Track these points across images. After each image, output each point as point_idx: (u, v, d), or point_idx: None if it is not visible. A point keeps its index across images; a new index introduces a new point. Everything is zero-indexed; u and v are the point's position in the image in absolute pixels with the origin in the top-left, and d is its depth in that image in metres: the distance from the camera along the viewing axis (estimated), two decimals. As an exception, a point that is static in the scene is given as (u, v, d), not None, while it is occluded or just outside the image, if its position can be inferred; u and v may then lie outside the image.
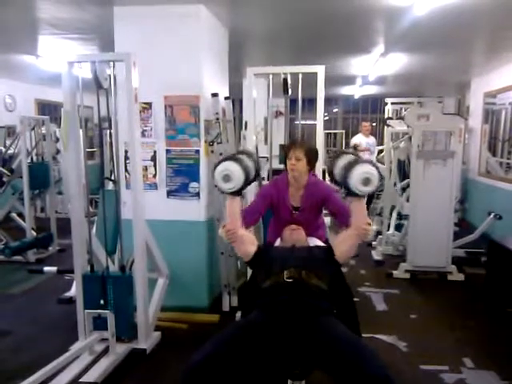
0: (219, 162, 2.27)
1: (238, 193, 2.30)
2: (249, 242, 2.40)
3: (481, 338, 3.38)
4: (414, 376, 2.85)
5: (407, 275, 4.69)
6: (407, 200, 4.97)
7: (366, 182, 2.08)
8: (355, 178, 2.08)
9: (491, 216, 4.94)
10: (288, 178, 2.83)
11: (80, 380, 2.61)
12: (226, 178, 2.20)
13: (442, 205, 4.55)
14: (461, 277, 4.62)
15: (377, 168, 2.15)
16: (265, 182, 4.08)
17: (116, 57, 3.06)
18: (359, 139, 7.82)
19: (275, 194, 2.83)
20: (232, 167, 2.20)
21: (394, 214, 5.64)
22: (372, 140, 7.87)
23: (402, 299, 4.19)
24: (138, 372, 2.90)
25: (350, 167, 2.13)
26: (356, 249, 2.37)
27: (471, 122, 7.48)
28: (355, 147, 7.50)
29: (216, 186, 2.31)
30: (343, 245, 2.34)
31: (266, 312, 2.07)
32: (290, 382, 2.09)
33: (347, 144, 11.24)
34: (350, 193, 2.18)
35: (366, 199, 2.31)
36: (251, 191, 3.57)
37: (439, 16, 3.73)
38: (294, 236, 2.58)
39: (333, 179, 2.41)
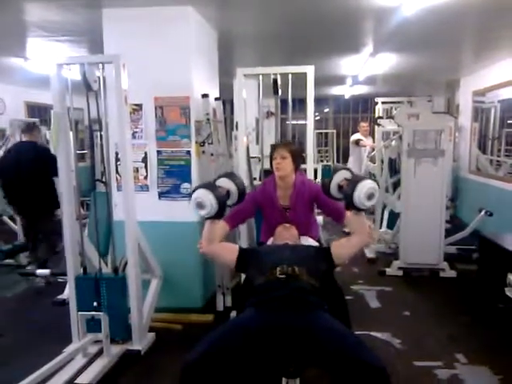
0: (195, 189, 2.35)
1: (216, 217, 2.36)
2: (228, 252, 2.46)
3: (473, 334, 3.41)
4: (408, 372, 2.86)
5: (400, 272, 4.72)
6: (398, 198, 5.00)
7: (371, 196, 2.22)
8: (362, 195, 2.19)
9: (482, 213, 4.98)
10: (275, 179, 2.85)
11: (74, 382, 2.59)
12: (199, 205, 2.30)
13: (433, 202, 4.58)
14: (453, 273, 4.66)
15: (376, 182, 2.30)
16: (256, 182, 4.10)
17: (105, 59, 3.05)
18: (357, 138, 7.82)
19: (263, 198, 2.88)
20: (204, 195, 2.28)
21: (386, 213, 5.67)
22: (370, 141, 7.89)
23: (395, 296, 4.22)
24: (132, 373, 2.89)
25: (354, 184, 2.23)
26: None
27: (461, 120, 7.54)
28: (357, 142, 7.52)
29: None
30: (343, 249, 2.40)
31: (260, 309, 2.08)
32: (284, 380, 2.09)
33: (338, 144, 11.30)
34: (353, 207, 2.27)
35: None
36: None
37: (427, 16, 3.76)
38: (287, 234, 2.59)
39: (328, 194, 2.44)
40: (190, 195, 2.36)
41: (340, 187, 2.35)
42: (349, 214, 2.44)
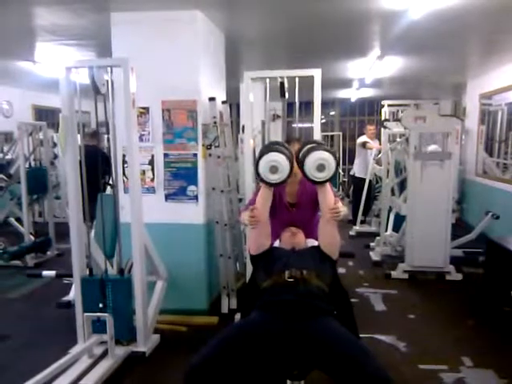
0: (263, 153, 2.22)
1: (279, 184, 2.27)
2: (268, 236, 2.40)
3: (479, 337, 3.40)
4: (414, 376, 2.86)
5: (405, 275, 4.71)
6: (404, 201, 4.99)
7: (321, 168, 2.11)
8: (310, 165, 2.11)
9: (489, 216, 4.96)
10: None
11: (79, 383, 2.61)
12: (274, 169, 2.17)
13: (439, 205, 4.57)
14: (459, 276, 4.64)
15: (333, 154, 2.16)
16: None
17: (113, 62, 3.08)
18: (364, 141, 7.79)
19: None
20: (280, 158, 2.17)
21: (392, 215, 5.66)
22: (376, 143, 7.85)
23: (401, 299, 4.21)
24: (137, 375, 2.91)
25: (305, 154, 2.15)
26: (340, 239, 2.39)
27: (468, 123, 7.52)
28: (364, 144, 7.50)
29: (258, 175, 2.26)
30: (323, 235, 2.37)
31: (266, 312, 2.07)
32: (289, 382, 2.09)
33: (344, 147, 11.28)
34: (309, 180, 2.19)
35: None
36: (249, 189, 3.60)
37: (434, 19, 3.76)
38: (294, 239, 2.57)
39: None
40: (259, 157, 2.19)
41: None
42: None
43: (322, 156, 2.11)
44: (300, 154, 2.32)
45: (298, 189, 2.84)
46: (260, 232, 2.37)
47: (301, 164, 2.23)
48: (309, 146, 2.31)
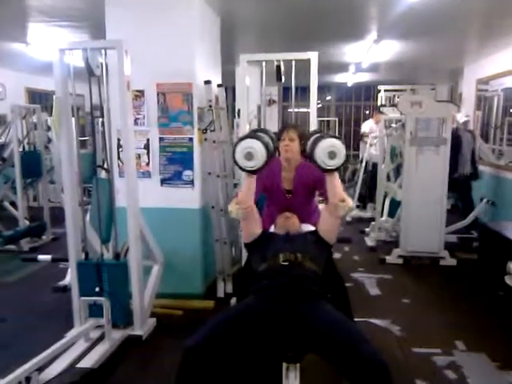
0: (240, 140, 2.21)
1: (256, 171, 2.25)
2: (257, 223, 2.41)
3: (473, 322, 3.43)
4: (407, 359, 2.89)
5: (400, 260, 4.74)
6: (400, 186, 5.00)
7: (332, 155, 2.10)
8: (321, 152, 2.10)
9: (484, 202, 4.98)
10: (281, 162, 2.84)
11: (76, 366, 2.61)
12: (249, 155, 2.15)
13: (434, 191, 4.59)
14: (453, 262, 4.68)
15: (342, 141, 2.15)
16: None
17: (108, 44, 3.03)
18: (370, 125, 7.78)
19: (269, 178, 2.82)
20: (255, 145, 2.16)
21: (387, 201, 5.67)
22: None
23: (395, 284, 4.24)
24: (133, 358, 2.92)
25: (315, 142, 2.14)
26: (339, 226, 2.41)
27: (464, 108, 7.50)
28: (362, 136, 7.49)
29: (236, 163, 2.24)
30: (324, 224, 2.38)
31: (261, 295, 2.09)
32: (284, 364, 2.11)
33: (340, 132, 11.27)
34: (320, 168, 2.18)
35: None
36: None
37: (432, 2, 3.73)
38: (288, 223, 2.59)
39: (306, 157, 2.40)
40: (236, 144, 2.19)
41: None
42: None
43: (332, 143, 2.11)
44: (308, 143, 2.32)
45: (295, 175, 2.83)
46: (249, 221, 2.38)
47: (310, 152, 2.21)
48: (317, 135, 2.30)
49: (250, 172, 2.23)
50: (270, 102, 8.08)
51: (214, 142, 3.73)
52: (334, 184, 2.28)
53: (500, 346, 3.06)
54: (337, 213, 2.29)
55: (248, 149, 2.14)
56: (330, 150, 2.10)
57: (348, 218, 6.79)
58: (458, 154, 5.35)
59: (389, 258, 4.78)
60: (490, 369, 2.79)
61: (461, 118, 5.80)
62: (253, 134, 2.31)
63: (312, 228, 2.77)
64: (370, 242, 5.46)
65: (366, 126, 7.88)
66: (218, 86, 3.95)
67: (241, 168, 2.22)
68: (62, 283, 3.98)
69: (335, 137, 2.18)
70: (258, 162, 2.17)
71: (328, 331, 1.91)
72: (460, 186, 5.56)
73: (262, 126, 4.05)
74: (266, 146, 2.19)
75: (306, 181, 2.81)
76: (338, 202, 2.25)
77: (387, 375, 1.76)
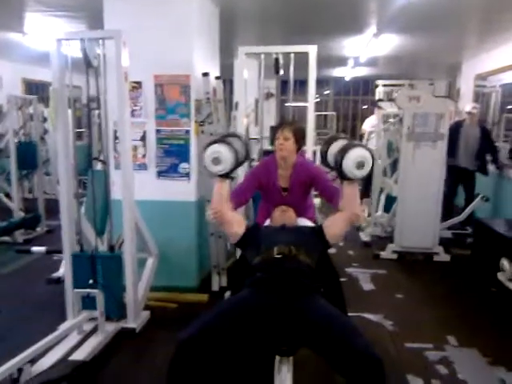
0: (209, 144, 2.27)
1: (227, 175, 2.31)
2: (236, 224, 2.42)
3: (465, 317, 3.45)
4: (399, 354, 2.91)
5: (394, 256, 4.76)
6: (396, 182, 5.00)
7: (360, 165, 2.13)
8: (350, 162, 2.13)
9: (478, 198, 4.99)
10: (277, 159, 2.84)
11: (69, 359, 2.61)
12: (216, 160, 2.22)
13: (430, 186, 4.59)
14: (447, 257, 4.70)
15: (370, 151, 2.18)
16: (255, 163, 4.08)
17: (106, 34, 2.99)
18: (370, 122, 7.75)
19: (264, 176, 2.83)
20: (222, 149, 2.21)
21: (383, 196, 5.68)
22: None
23: (389, 279, 4.26)
24: (127, 350, 2.92)
25: (344, 151, 2.16)
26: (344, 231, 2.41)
27: (462, 104, 7.49)
28: (361, 135, 7.49)
29: (205, 167, 2.32)
30: (334, 227, 2.38)
31: (256, 288, 2.10)
32: (277, 357, 2.12)
33: (338, 127, 11.25)
34: (344, 177, 2.22)
35: (360, 183, 2.35)
36: (241, 168, 3.57)
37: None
38: (284, 216, 2.59)
39: (325, 163, 2.43)
40: (204, 149, 2.26)
41: None
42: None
43: (362, 154, 2.14)
44: (331, 150, 2.35)
45: (291, 173, 2.83)
46: (226, 224, 2.42)
47: (336, 161, 2.23)
48: (342, 142, 2.33)
49: (220, 176, 2.29)
50: (268, 96, 8.05)
51: (212, 134, 3.71)
52: (355, 193, 2.33)
53: (491, 341, 3.07)
54: (355, 223, 2.37)
55: (215, 154, 2.22)
56: (359, 160, 2.13)
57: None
58: (455, 146, 5.33)
59: (383, 254, 4.79)
60: (481, 364, 2.81)
61: (466, 108, 5.69)
62: (220, 139, 2.36)
63: (308, 222, 2.78)
64: (364, 237, 5.46)
65: (367, 124, 7.84)
66: (216, 78, 3.92)
67: (210, 173, 2.29)
68: (55, 275, 3.97)
69: (362, 146, 2.23)
70: (226, 166, 2.24)
71: (322, 325, 1.92)
72: (468, 179, 5.58)
73: (260, 120, 4.04)
74: (235, 150, 2.24)
75: (303, 179, 2.81)
76: (361, 213, 2.32)
77: (381, 369, 1.77)
